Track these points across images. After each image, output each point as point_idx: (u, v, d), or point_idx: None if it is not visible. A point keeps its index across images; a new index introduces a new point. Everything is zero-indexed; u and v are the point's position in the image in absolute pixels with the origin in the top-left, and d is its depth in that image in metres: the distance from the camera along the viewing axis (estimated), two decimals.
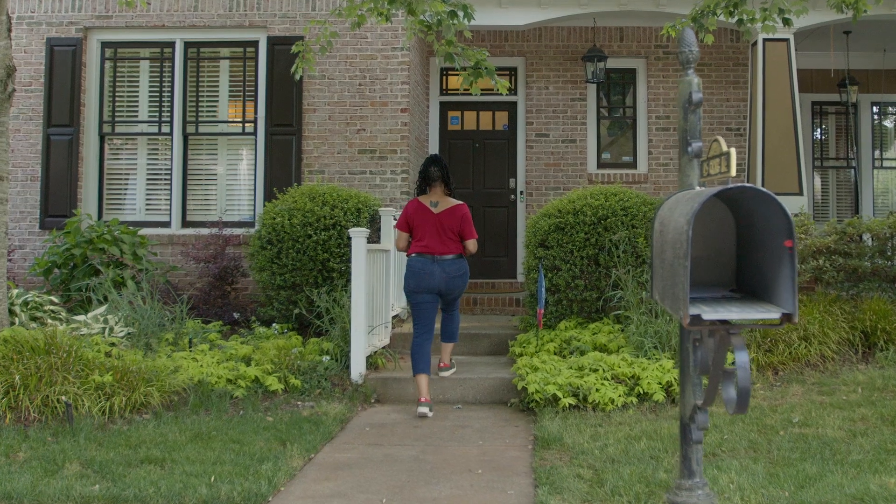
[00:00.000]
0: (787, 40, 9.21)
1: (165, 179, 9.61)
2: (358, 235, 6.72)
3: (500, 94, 7.54)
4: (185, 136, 9.56)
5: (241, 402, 6.11)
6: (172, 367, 6.25)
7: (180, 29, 9.49)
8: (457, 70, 6.91)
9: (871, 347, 7.21)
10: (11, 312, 7.01)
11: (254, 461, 4.75)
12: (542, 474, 4.52)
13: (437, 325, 6.86)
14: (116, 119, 9.73)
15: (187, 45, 9.57)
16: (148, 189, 9.70)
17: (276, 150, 9.30)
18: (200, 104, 9.63)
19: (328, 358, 6.82)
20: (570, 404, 5.88)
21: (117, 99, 9.71)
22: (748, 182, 9.26)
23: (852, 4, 6.99)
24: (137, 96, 9.74)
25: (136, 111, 9.78)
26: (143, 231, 9.01)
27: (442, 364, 6.81)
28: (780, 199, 2.29)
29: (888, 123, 12.78)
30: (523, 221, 10.68)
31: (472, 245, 6.54)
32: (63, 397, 5.49)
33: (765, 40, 9.17)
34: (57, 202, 9.35)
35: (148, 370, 5.97)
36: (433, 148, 10.92)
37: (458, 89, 10.97)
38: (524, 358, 6.69)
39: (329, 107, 9.30)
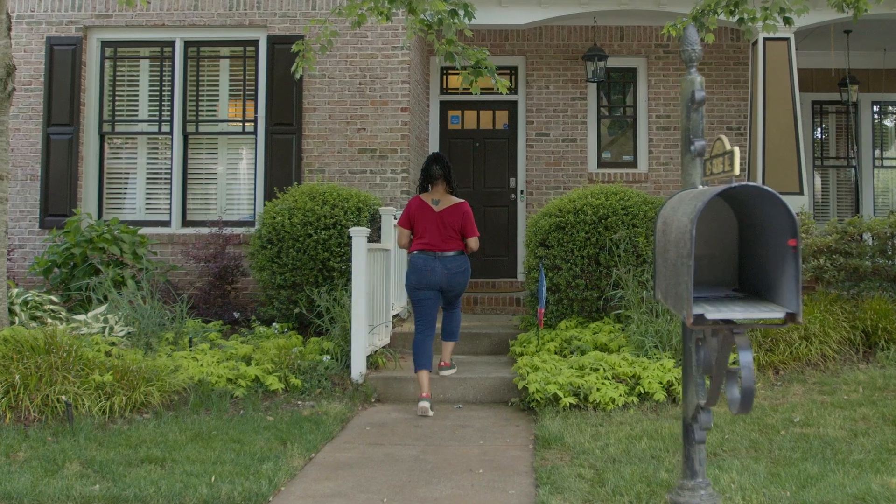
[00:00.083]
0: (787, 39, 9.20)
1: (165, 179, 9.60)
2: (358, 235, 6.71)
3: (501, 94, 7.53)
4: (185, 136, 9.55)
5: (241, 402, 6.10)
6: (173, 367, 6.24)
7: (180, 28, 9.48)
8: (457, 69, 6.90)
9: (872, 347, 7.20)
10: (11, 312, 7.00)
11: (254, 461, 4.74)
12: (543, 474, 4.51)
13: (438, 325, 6.85)
14: (116, 118, 9.72)
15: (187, 44, 9.56)
16: (148, 188, 9.69)
17: (277, 150, 9.29)
18: (200, 103, 9.62)
19: (328, 357, 6.81)
20: (570, 404, 5.87)
21: (117, 98, 9.70)
22: (748, 181, 9.25)
23: (853, 4, 6.98)
24: (137, 95, 9.72)
25: (136, 110, 9.76)
26: (143, 230, 9.00)
27: (442, 363, 6.80)
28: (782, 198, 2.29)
29: (888, 123, 12.77)
30: (524, 221, 10.67)
31: (473, 243, 6.56)
32: (63, 397, 5.48)
33: (765, 39, 9.16)
34: (57, 201, 9.34)
35: (148, 370, 5.96)
36: (433, 147, 10.91)
37: (458, 88, 10.96)
38: (525, 357, 6.68)
39: (329, 106, 9.29)
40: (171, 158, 9.51)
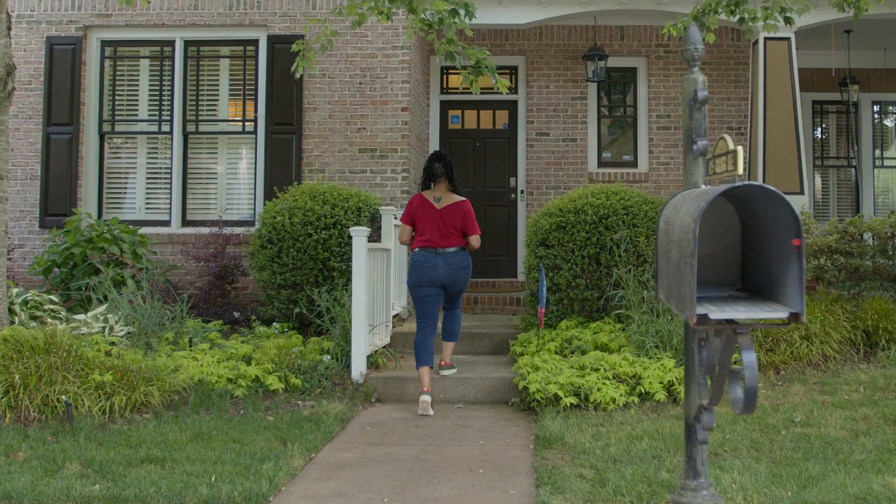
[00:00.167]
0: (788, 39, 9.19)
1: (165, 178, 9.59)
2: (359, 234, 6.71)
3: (501, 93, 7.53)
4: (185, 135, 9.54)
5: (241, 402, 6.09)
6: (173, 367, 6.23)
7: (180, 27, 9.47)
8: (457, 69, 6.89)
9: (873, 347, 7.20)
10: (11, 311, 6.99)
11: (255, 461, 4.73)
12: (544, 474, 4.50)
13: (439, 325, 6.85)
14: (116, 118, 9.71)
15: (187, 43, 9.55)
16: (148, 188, 9.68)
17: (277, 149, 9.28)
18: (200, 103, 9.61)
19: (329, 357, 6.80)
20: (571, 404, 5.87)
21: (117, 98, 9.69)
22: (749, 181, 9.24)
23: (853, 3, 6.98)
24: (137, 95, 9.71)
25: (136, 110, 9.76)
26: (143, 230, 8.99)
27: (443, 363, 6.80)
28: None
29: (889, 122, 12.77)
30: (524, 220, 10.67)
31: (475, 241, 6.61)
32: (63, 397, 5.47)
33: (766, 39, 9.15)
34: (57, 201, 9.33)
35: (148, 369, 5.95)
36: (433, 147, 10.89)
37: (458, 88, 10.95)
38: (525, 357, 6.67)
39: (329, 105, 9.28)
40: (171, 158, 9.50)
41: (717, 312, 2.27)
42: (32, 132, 9.43)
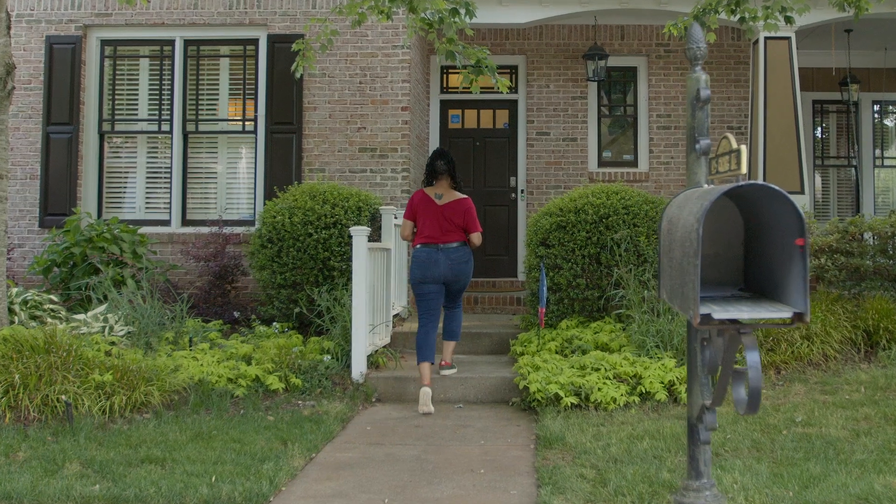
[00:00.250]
0: (788, 38, 9.18)
1: (165, 178, 9.58)
2: (359, 234, 6.70)
3: (501, 93, 7.51)
4: (185, 135, 9.53)
5: (241, 402, 6.08)
6: (173, 366, 6.22)
7: (180, 27, 9.45)
8: (458, 68, 6.89)
9: (874, 346, 7.19)
10: (11, 311, 6.98)
11: (255, 461, 4.72)
12: (545, 474, 4.49)
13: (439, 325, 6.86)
14: (116, 117, 9.70)
15: (187, 42, 9.54)
16: (148, 187, 9.66)
17: (277, 149, 9.27)
18: (200, 102, 9.60)
19: (329, 357, 6.79)
20: (571, 403, 5.86)
21: (117, 97, 9.68)
22: (749, 180, 9.25)
23: (854, 3, 6.97)
24: (137, 94, 9.70)
25: (136, 109, 9.74)
26: (143, 230, 8.98)
27: (444, 363, 6.79)
28: None
29: (889, 122, 12.76)
30: (524, 220, 10.66)
31: (476, 238, 6.65)
32: (63, 396, 5.46)
33: (766, 38, 9.14)
34: (56, 200, 9.31)
35: (148, 369, 5.94)
36: (434, 146, 10.88)
37: (458, 87, 10.93)
38: (525, 357, 6.66)
39: (329, 105, 9.27)
40: (171, 157, 9.49)
41: (720, 312, 2.26)
42: (32, 131, 9.42)
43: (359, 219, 7.85)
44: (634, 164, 10.94)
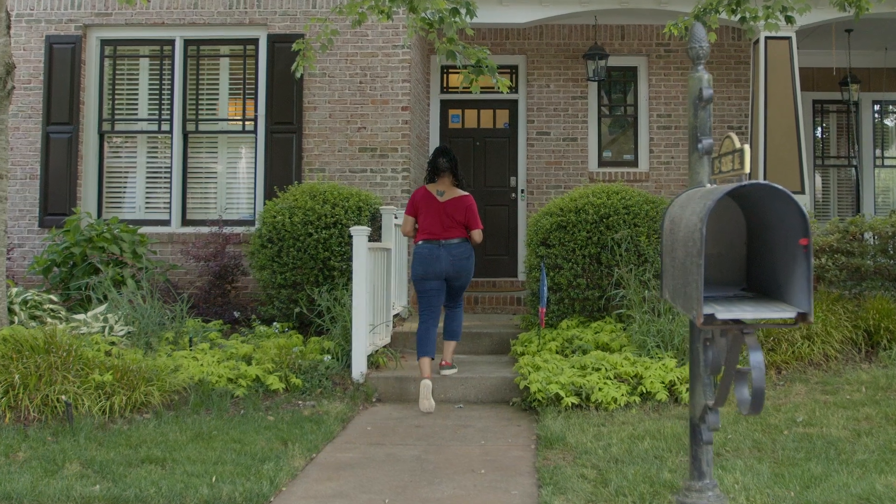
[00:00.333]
0: (789, 38, 9.17)
1: (165, 177, 9.57)
2: (359, 234, 6.69)
3: (501, 93, 7.50)
4: (185, 134, 9.52)
5: (241, 402, 6.08)
6: (173, 367, 6.21)
7: (180, 26, 9.45)
8: (458, 68, 6.88)
9: (875, 346, 7.18)
10: (11, 311, 6.97)
11: (255, 461, 4.71)
12: (546, 474, 4.49)
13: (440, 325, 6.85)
14: (116, 117, 9.69)
15: (187, 42, 9.53)
16: (147, 187, 9.65)
17: (277, 149, 9.26)
18: (200, 102, 9.59)
19: (329, 357, 6.78)
20: (572, 403, 5.85)
21: (117, 97, 9.67)
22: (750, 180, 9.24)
23: (854, 2, 6.97)
24: (137, 94, 9.69)
25: (136, 109, 9.73)
26: (143, 229, 8.97)
27: (444, 363, 6.78)
28: None
29: (889, 122, 12.76)
30: (524, 220, 10.65)
31: (477, 235, 6.70)
32: (63, 397, 5.45)
33: (767, 38, 9.14)
34: (56, 200, 9.30)
35: (148, 369, 5.93)
36: (434, 146, 10.87)
37: (458, 87, 10.93)
38: (526, 357, 6.66)
39: (330, 105, 9.26)
40: (171, 157, 9.48)
41: (723, 312, 2.25)
42: (32, 131, 9.41)
43: (359, 219, 7.85)
44: (635, 163, 10.94)
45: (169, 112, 9.50)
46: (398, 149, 9.17)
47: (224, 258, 8.61)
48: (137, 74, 9.68)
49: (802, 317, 2.23)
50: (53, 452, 4.81)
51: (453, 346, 6.88)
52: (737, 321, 2.28)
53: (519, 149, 10.94)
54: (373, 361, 6.94)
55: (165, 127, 9.52)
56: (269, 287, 7.97)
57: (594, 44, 10.52)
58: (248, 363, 6.67)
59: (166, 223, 9.42)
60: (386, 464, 4.84)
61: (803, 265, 2.20)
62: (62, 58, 9.40)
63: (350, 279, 7.19)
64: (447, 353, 6.83)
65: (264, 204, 8.63)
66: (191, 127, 9.55)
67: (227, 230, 8.94)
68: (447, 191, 6.69)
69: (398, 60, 9.23)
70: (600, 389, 5.91)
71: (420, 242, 6.61)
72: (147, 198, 9.64)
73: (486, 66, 6.53)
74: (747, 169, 2.37)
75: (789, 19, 6.93)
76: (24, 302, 7.19)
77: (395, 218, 7.98)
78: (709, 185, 2.72)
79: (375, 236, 7.83)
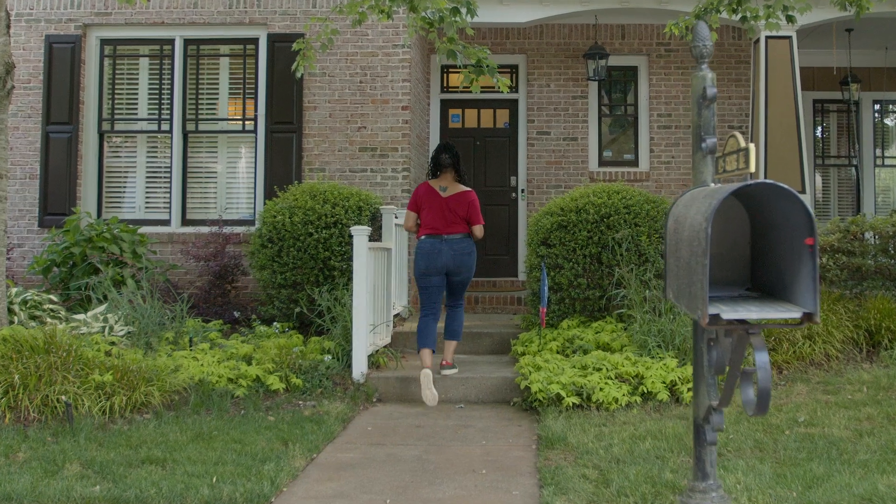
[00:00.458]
0: (789, 38, 9.16)
1: (165, 177, 9.55)
2: (359, 234, 6.68)
3: (502, 92, 7.49)
4: (185, 134, 9.51)
5: (242, 402, 6.06)
6: (173, 367, 6.20)
7: (180, 26, 9.43)
8: (458, 68, 6.87)
9: (876, 346, 7.17)
10: (10, 311, 6.95)
11: (256, 461, 4.70)
12: (547, 474, 4.48)
13: (441, 325, 6.85)
14: (116, 117, 9.67)
15: (187, 42, 9.51)
16: (147, 187, 9.64)
17: (277, 148, 9.24)
18: (200, 102, 9.58)
19: (330, 357, 6.77)
20: (573, 403, 5.84)
21: (116, 96, 9.65)
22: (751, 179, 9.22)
23: (855, 2, 6.96)
24: (137, 94, 9.68)
25: (136, 109, 9.72)
26: (143, 229, 8.95)
27: (445, 362, 6.77)
28: None
29: (889, 121, 12.75)
30: (524, 219, 10.64)
31: (479, 231, 6.76)
32: (63, 397, 5.44)
33: (767, 38, 9.12)
34: (56, 200, 9.29)
35: (148, 369, 5.92)
36: (434, 146, 10.86)
37: (458, 87, 10.92)
38: (527, 357, 6.65)
39: (330, 104, 9.25)
40: (171, 157, 9.46)
41: (728, 312, 2.24)
42: (32, 131, 9.40)
43: (359, 218, 7.83)
44: (635, 163, 10.93)
45: (169, 112, 9.49)
46: (398, 148, 9.16)
47: (224, 258, 8.59)
48: (137, 74, 9.66)
49: (808, 317, 2.22)
50: (53, 453, 4.80)
51: (454, 345, 6.87)
52: (742, 321, 2.27)
53: (519, 148, 10.93)
54: (373, 361, 6.92)
55: (165, 126, 9.51)
56: (270, 287, 7.96)
57: (594, 43, 10.51)
58: (249, 363, 6.66)
59: (166, 223, 9.41)
60: (387, 464, 4.83)
61: (809, 265, 2.19)
62: (62, 57, 9.39)
63: (350, 279, 7.18)
64: (448, 352, 6.82)
65: (264, 204, 8.61)
66: (191, 126, 9.53)
67: (227, 230, 8.92)
68: (449, 186, 6.74)
69: (398, 60, 9.22)
70: (601, 389, 5.90)
71: (423, 237, 6.67)
72: (147, 197, 9.63)
73: (487, 66, 6.51)
74: (752, 168, 2.35)
75: (790, 19, 6.92)
76: (24, 302, 7.18)
77: (396, 218, 7.96)
78: (713, 185, 2.71)
79: (376, 236, 7.81)
